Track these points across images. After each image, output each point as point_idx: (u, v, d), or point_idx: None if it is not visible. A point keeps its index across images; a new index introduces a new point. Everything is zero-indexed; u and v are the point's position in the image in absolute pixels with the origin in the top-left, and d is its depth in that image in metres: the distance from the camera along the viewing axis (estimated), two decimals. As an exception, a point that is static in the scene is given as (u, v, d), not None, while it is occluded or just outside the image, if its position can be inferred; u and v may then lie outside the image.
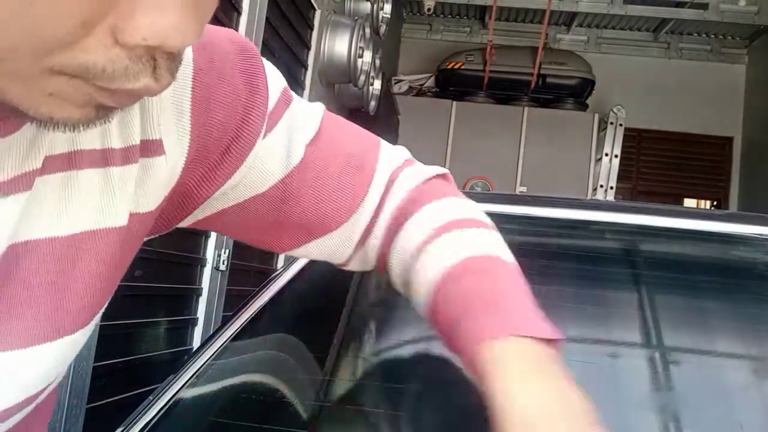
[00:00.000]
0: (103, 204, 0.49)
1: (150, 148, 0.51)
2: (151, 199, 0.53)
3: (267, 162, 0.58)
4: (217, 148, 0.55)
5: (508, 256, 0.60)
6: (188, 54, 0.51)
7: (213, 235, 2.54)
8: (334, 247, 0.65)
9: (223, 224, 0.63)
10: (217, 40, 0.55)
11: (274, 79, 0.59)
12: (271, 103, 0.58)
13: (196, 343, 2.48)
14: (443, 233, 0.59)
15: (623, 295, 1.12)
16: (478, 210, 0.64)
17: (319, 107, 0.65)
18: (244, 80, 0.56)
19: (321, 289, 1.16)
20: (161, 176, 0.52)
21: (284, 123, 0.59)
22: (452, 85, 6.62)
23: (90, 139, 0.48)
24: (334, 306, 1.09)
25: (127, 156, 0.50)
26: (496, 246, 0.60)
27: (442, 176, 0.68)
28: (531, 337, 0.51)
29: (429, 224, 0.60)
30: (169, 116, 0.52)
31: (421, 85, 6.93)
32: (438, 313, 0.56)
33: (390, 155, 0.66)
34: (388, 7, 4.75)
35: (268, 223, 0.63)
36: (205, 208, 0.59)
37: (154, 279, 2.17)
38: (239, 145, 0.56)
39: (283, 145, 0.59)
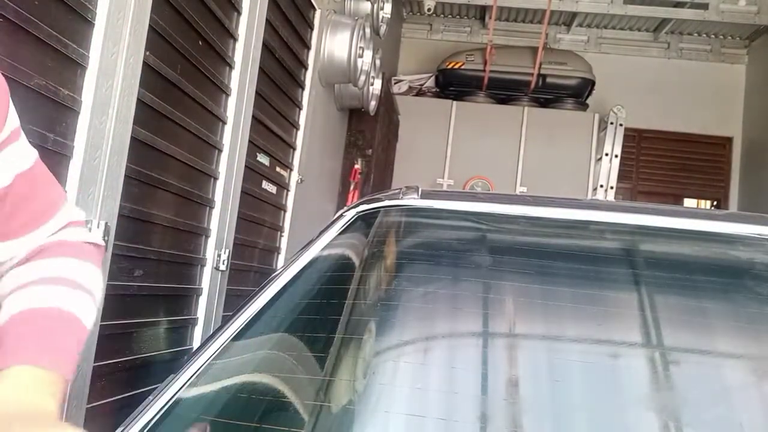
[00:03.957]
0: None
1: None
2: None
3: None
4: None
5: (80, 310, 0.75)
6: None
7: (213, 235, 2.54)
8: None
9: None
10: None
11: (13, 117, 0.74)
12: (5, 133, 0.73)
13: (196, 343, 2.48)
14: (39, 284, 0.74)
15: (623, 295, 1.12)
16: (91, 275, 0.79)
17: (34, 154, 0.79)
18: None
19: (321, 289, 1.16)
20: None
21: (9, 151, 0.74)
22: (452, 85, 6.62)
23: None
24: (334, 306, 1.09)
25: None
26: (75, 302, 0.75)
27: (95, 245, 0.83)
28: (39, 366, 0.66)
29: (38, 272, 0.75)
30: None
31: (421, 85, 6.93)
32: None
33: (66, 213, 0.81)
34: (388, 7, 4.75)
35: None
36: None
37: (154, 279, 2.17)
38: None
39: (3, 165, 0.74)
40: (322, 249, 1.21)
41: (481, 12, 7.06)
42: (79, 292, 0.76)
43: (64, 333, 0.72)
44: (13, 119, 0.75)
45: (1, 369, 0.65)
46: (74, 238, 0.81)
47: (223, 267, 2.61)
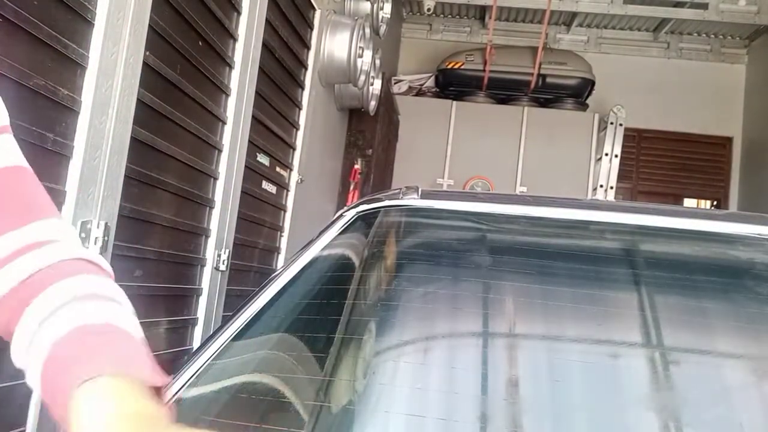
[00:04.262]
0: None
1: None
2: None
3: None
4: None
5: (123, 322, 0.66)
6: None
7: (213, 235, 2.54)
8: None
9: None
10: None
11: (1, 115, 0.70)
12: None
13: (196, 343, 2.48)
14: (67, 304, 0.65)
15: (623, 295, 1.12)
16: (108, 286, 0.70)
17: (16, 160, 0.71)
18: None
19: (321, 289, 1.16)
20: None
21: None
22: (452, 85, 6.63)
23: None
24: (334, 306, 1.09)
25: None
26: (111, 313, 0.66)
27: (92, 262, 0.71)
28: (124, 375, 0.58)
29: (59, 298, 0.65)
30: None
31: (421, 85, 6.94)
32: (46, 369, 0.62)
33: (60, 225, 0.71)
34: (388, 7, 4.75)
35: None
36: None
37: (154, 279, 2.17)
38: None
39: None
40: (322, 249, 1.21)
41: (481, 12, 7.06)
42: (116, 305, 0.69)
43: (126, 343, 0.65)
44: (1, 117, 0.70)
45: (84, 380, 0.57)
46: (75, 255, 0.72)
47: (223, 267, 2.61)
